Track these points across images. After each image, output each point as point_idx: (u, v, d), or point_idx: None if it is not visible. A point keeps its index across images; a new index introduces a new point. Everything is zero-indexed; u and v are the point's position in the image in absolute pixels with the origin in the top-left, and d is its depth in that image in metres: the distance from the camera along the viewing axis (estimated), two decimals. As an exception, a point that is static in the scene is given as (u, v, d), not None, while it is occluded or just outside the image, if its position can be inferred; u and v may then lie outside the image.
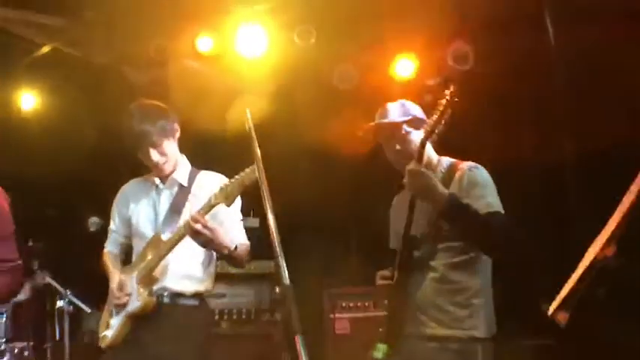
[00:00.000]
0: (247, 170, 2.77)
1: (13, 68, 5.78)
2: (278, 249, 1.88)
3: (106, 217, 3.47)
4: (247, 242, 3.21)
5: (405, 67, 4.92)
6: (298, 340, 1.75)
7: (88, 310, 4.80)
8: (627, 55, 3.97)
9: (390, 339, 2.78)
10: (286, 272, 1.83)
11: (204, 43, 4.93)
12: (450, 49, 4.60)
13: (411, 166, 2.68)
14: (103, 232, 5.40)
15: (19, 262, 2.75)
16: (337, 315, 4.66)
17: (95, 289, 3.31)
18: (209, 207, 2.88)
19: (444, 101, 2.64)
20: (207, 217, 2.90)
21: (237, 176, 2.81)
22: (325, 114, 4.75)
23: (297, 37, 4.62)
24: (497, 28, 4.41)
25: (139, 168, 3.34)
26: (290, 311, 1.80)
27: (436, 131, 2.69)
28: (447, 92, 2.64)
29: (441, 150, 2.94)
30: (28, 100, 6.02)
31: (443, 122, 2.67)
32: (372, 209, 3.56)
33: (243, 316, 4.89)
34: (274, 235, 1.93)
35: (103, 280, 3.15)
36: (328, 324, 4.65)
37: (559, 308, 2.05)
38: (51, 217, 6.22)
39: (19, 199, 2.99)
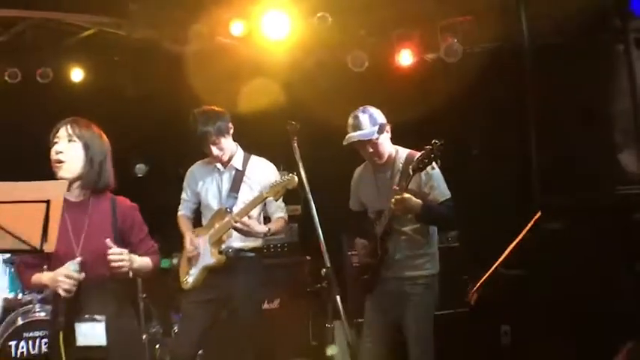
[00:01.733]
0: (290, 177, 4.07)
1: (65, 46, 6.87)
2: (322, 239, 3.14)
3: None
4: (284, 216, 4.55)
5: (406, 56, 6.00)
6: (337, 299, 3.04)
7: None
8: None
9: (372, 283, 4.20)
10: (327, 257, 3.10)
11: (237, 27, 5.97)
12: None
13: (397, 195, 3.90)
14: (147, 177, 6.67)
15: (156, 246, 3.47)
16: (354, 252, 5.96)
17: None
18: (261, 199, 4.23)
19: (428, 148, 3.79)
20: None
21: (285, 177, 4.11)
22: (341, 92, 5.94)
23: (316, 22, 5.63)
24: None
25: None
26: (332, 282, 3.09)
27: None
28: (436, 143, 3.77)
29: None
30: (77, 73, 7.15)
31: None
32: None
33: (279, 250, 6.28)
34: (318, 228, 3.19)
35: (150, 222, 3.60)
36: (346, 258, 5.95)
37: (475, 292, 3.42)
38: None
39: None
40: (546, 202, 4.98)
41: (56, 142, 3.20)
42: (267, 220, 4.64)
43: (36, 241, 2.71)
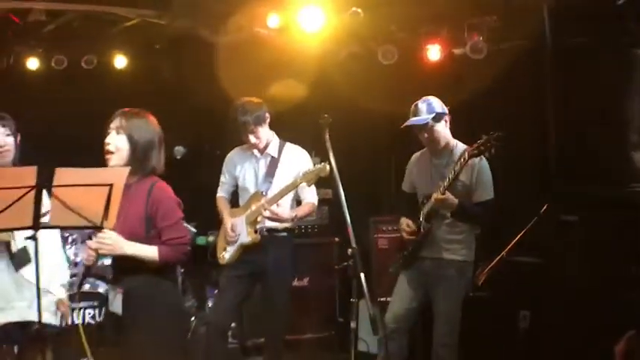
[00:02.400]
0: (321, 165, 4.45)
1: (109, 35, 7.31)
2: (348, 221, 3.53)
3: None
4: (313, 201, 4.97)
5: (434, 51, 6.35)
6: (362, 276, 3.43)
7: (193, 230, 5.86)
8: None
9: (410, 260, 4.63)
10: (354, 238, 3.50)
11: (273, 19, 6.35)
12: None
13: (437, 195, 4.35)
14: (185, 160, 7.07)
15: (185, 238, 3.57)
16: (379, 235, 6.39)
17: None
18: (294, 185, 4.65)
19: (486, 137, 4.19)
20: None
21: (317, 165, 4.49)
22: (371, 84, 6.33)
23: (348, 16, 5.98)
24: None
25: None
26: (357, 261, 3.48)
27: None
28: (493, 134, 4.17)
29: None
30: (121, 60, 7.61)
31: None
32: (405, 162, 5.13)
33: (309, 230, 6.74)
34: (345, 211, 3.58)
35: (188, 202, 3.72)
36: (373, 241, 6.35)
37: (483, 274, 3.85)
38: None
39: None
40: (563, 194, 5.33)
41: (108, 134, 3.55)
42: (299, 203, 5.04)
43: (97, 220, 3.15)
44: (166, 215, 3.48)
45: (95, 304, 5.66)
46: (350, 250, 3.68)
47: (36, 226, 3.14)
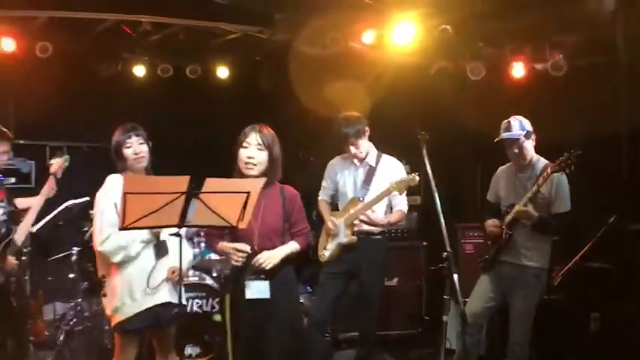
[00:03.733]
0: (412, 176, 5.08)
1: (212, 47, 8.07)
2: (443, 226, 4.10)
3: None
4: (404, 209, 5.57)
5: (519, 68, 6.84)
6: (455, 277, 4.00)
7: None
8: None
9: (491, 263, 5.22)
10: (448, 242, 4.06)
11: (368, 35, 6.92)
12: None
13: (520, 207, 4.94)
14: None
15: (308, 228, 4.49)
16: (465, 240, 6.94)
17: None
18: (387, 193, 5.26)
19: (567, 154, 4.75)
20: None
21: (408, 175, 5.12)
22: (459, 98, 6.91)
23: (438, 33, 6.51)
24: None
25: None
26: (451, 262, 4.04)
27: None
28: (574, 152, 4.73)
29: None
30: (223, 71, 8.40)
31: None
32: (489, 173, 5.64)
33: (400, 235, 7.29)
34: (440, 217, 4.15)
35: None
36: (460, 246, 6.89)
37: (559, 276, 4.43)
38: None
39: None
40: (630, 205, 5.83)
41: (246, 147, 4.24)
42: (391, 209, 5.62)
43: (234, 220, 3.83)
44: (299, 210, 4.42)
45: (203, 294, 6.27)
46: (445, 253, 4.21)
47: (181, 224, 3.83)
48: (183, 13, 6.93)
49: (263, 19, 7.19)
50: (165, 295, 4.31)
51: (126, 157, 4.39)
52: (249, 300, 4.21)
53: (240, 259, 4.20)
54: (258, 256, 4.19)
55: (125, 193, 3.61)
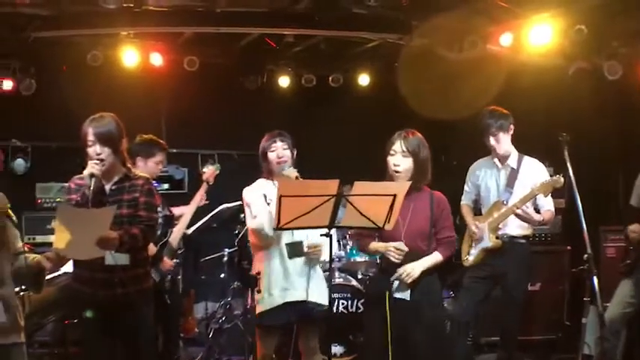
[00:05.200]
0: (557, 177, 5.15)
1: (353, 55, 8.46)
2: (585, 229, 4.20)
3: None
4: (552, 209, 5.58)
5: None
6: (594, 279, 4.10)
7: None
8: None
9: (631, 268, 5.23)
10: (589, 244, 4.15)
11: (506, 38, 7.02)
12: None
13: None
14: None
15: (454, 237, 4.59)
16: (608, 244, 6.89)
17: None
18: (532, 195, 5.33)
19: None
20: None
21: (553, 177, 5.20)
22: (599, 98, 6.93)
23: (574, 33, 6.51)
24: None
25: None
26: (591, 264, 4.13)
27: None
28: None
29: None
30: (364, 78, 8.76)
31: None
32: (633, 176, 5.64)
33: (543, 239, 7.30)
34: (582, 220, 4.25)
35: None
36: (602, 250, 6.87)
37: None
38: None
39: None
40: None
41: (393, 155, 4.43)
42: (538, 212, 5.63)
43: (381, 222, 4.12)
44: (447, 217, 4.51)
45: (348, 295, 6.57)
46: (586, 255, 4.31)
47: (331, 225, 4.15)
48: (324, 24, 7.26)
49: (401, 27, 7.42)
50: (302, 293, 4.70)
51: (270, 160, 4.82)
52: (395, 299, 4.42)
53: (399, 257, 4.37)
54: (400, 269, 4.35)
55: (281, 196, 3.95)
